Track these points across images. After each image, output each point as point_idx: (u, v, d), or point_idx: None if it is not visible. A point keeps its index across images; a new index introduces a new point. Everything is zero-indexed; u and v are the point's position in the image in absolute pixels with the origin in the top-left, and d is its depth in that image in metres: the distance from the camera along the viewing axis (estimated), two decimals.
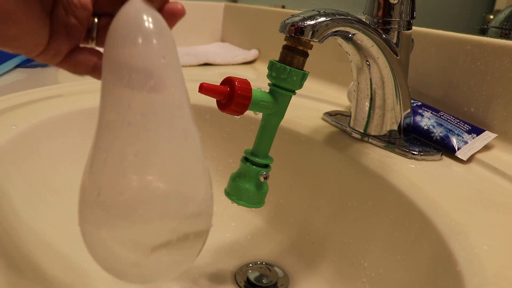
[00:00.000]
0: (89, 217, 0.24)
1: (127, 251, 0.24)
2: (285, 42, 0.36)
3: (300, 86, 0.36)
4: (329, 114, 0.53)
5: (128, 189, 0.23)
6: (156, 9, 0.25)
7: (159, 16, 0.24)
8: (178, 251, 0.25)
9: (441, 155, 0.43)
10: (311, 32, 0.35)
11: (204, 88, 0.32)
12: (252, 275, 0.44)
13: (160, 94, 0.24)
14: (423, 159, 0.43)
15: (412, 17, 0.43)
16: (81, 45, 0.27)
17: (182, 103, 0.25)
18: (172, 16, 0.26)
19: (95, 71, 0.27)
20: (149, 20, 0.24)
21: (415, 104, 0.49)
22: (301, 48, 0.35)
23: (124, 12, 0.24)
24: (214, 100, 0.35)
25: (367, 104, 0.45)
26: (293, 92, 0.36)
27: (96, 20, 0.27)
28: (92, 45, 0.28)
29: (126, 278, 0.26)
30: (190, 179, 0.25)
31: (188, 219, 0.25)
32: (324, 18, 0.36)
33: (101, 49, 0.27)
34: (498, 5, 0.57)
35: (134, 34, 0.23)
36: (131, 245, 0.24)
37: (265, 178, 0.37)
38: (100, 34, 0.27)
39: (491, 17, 0.57)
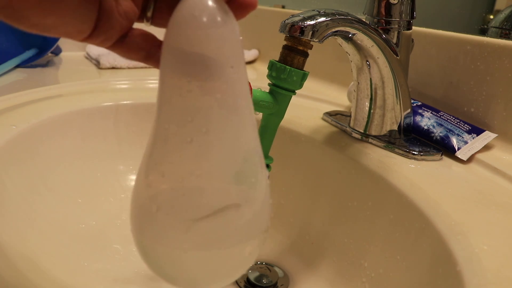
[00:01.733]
0: (147, 231, 0.23)
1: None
2: (285, 42, 0.36)
3: (300, 86, 0.36)
4: (329, 114, 0.53)
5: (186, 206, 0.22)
6: None
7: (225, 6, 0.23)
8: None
9: (441, 155, 0.43)
10: (311, 32, 0.35)
11: None
12: (252, 275, 0.44)
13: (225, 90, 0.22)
14: (423, 159, 0.43)
15: (412, 17, 0.43)
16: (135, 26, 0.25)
17: (248, 105, 0.23)
18: (242, 8, 0.24)
19: (149, 58, 0.25)
20: (221, 7, 0.22)
21: (415, 104, 0.49)
22: (301, 48, 0.36)
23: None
24: None
25: (367, 104, 0.45)
26: (293, 92, 0.36)
27: None
28: (147, 25, 0.25)
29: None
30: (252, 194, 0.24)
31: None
32: (324, 18, 0.36)
33: (156, 32, 0.25)
34: (498, 5, 0.57)
35: (207, 21, 0.21)
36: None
37: None
38: (157, 13, 0.25)
39: (491, 17, 0.57)
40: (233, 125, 0.23)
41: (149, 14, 0.25)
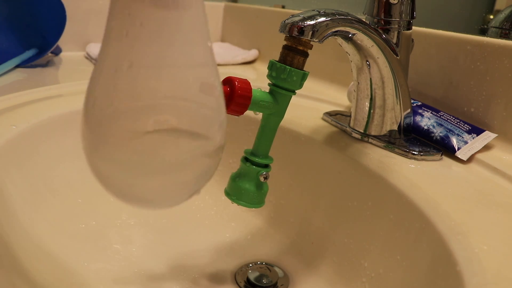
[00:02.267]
0: (87, 126, 0.24)
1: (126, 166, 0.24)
2: (285, 42, 0.36)
3: (300, 86, 0.36)
4: (329, 114, 0.53)
5: (117, 100, 0.23)
6: None
7: None
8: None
9: (441, 155, 0.43)
10: (311, 32, 0.35)
11: None
12: (252, 275, 0.44)
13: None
14: (423, 159, 0.43)
15: (412, 17, 0.43)
16: None
17: (197, 23, 0.23)
18: None
19: None
20: None
21: (415, 104, 0.49)
22: (301, 48, 0.36)
23: None
24: None
25: (367, 104, 0.45)
26: (293, 92, 0.36)
27: None
28: None
29: (132, 197, 0.26)
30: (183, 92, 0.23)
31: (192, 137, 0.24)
32: (324, 18, 0.36)
33: None
34: (498, 5, 0.57)
35: None
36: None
37: (265, 178, 0.37)
38: None
39: (491, 17, 0.57)
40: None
41: None
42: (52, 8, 0.67)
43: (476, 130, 0.45)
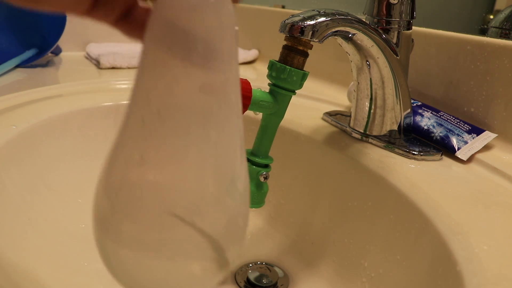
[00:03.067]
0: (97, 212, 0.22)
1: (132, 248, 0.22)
2: (285, 42, 0.36)
3: (300, 86, 0.36)
4: (329, 114, 0.53)
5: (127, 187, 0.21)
6: None
7: None
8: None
9: (441, 155, 0.43)
10: (311, 32, 0.35)
11: None
12: (252, 275, 0.44)
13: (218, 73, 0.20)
14: (423, 159, 0.43)
15: (412, 17, 0.43)
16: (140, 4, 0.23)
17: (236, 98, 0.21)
18: None
19: None
20: None
21: (415, 104, 0.49)
22: (301, 48, 0.36)
23: None
24: None
25: (367, 104, 0.45)
26: (293, 92, 0.36)
27: None
28: (149, 3, 0.23)
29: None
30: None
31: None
32: (324, 18, 0.36)
33: None
34: (498, 5, 0.57)
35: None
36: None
37: (265, 178, 0.37)
38: None
39: (491, 17, 0.57)
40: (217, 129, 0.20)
41: None
42: None
43: (476, 130, 0.45)
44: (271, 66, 0.36)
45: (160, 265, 0.21)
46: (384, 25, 0.43)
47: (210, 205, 0.21)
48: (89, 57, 0.78)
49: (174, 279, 0.22)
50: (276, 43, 0.41)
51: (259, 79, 0.72)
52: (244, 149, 0.22)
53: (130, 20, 0.22)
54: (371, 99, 0.45)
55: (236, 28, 0.21)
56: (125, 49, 0.81)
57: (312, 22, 0.35)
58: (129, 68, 0.73)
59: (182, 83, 0.19)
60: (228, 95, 0.21)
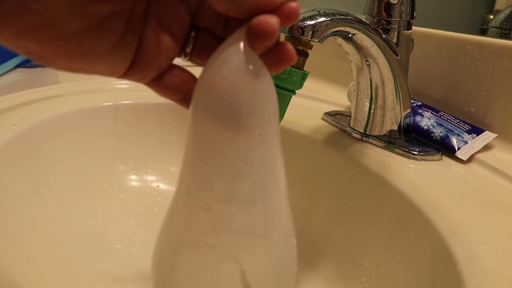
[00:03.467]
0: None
1: None
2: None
3: (300, 86, 0.36)
4: (329, 114, 0.53)
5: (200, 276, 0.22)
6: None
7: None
8: None
9: (441, 155, 0.43)
10: (311, 32, 0.35)
11: None
12: None
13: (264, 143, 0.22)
14: (423, 159, 0.43)
15: (412, 17, 0.43)
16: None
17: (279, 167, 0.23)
18: (279, 64, 0.22)
19: (185, 101, 0.24)
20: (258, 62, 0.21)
21: (415, 104, 0.49)
22: (301, 48, 0.35)
23: (233, 47, 0.21)
24: None
25: (367, 104, 0.45)
26: (293, 92, 0.36)
27: (193, 33, 0.23)
28: (184, 60, 0.24)
29: None
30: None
31: None
32: (324, 18, 0.36)
33: (193, 69, 0.24)
34: (498, 5, 0.57)
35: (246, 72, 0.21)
36: None
37: None
38: (196, 51, 0.24)
39: (491, 17, 0.57)
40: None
41: (188, 50, 0.23)
42: None
43: (476, 130, 0.45)
44: None
45: None
46: (384, 25, 0.43)
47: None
48: None
49: None
50: None
51: None
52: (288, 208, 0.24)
53: (163, 82, 0.23)
54: (371, 99, 0.45)
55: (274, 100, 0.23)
56: None
57: (312, 22, 0.35)
58: None
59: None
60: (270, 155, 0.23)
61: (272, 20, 0.20)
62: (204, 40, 0.23)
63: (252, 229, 0.22)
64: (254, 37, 0.20)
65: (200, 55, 0.24)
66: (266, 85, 0.22)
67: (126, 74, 0.22)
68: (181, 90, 0.23)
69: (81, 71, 0.21)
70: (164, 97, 0.24)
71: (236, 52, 0.21)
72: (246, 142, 0.21)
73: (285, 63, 0.22)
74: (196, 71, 0.24)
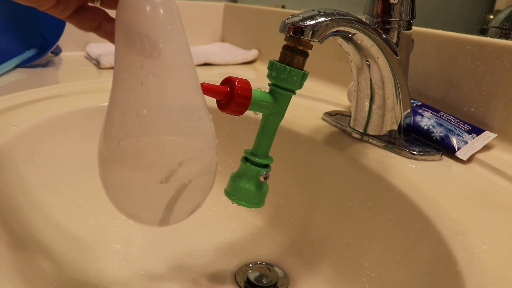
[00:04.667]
0: (111, 164, 0.28)
1: (140, 190, 0.29)
2: (285, 42, 0.36)
3: (300, 86, 0.36)
4: (329, 114, 0.53)
5: (143, 138, 0.27)
6: None
7: None
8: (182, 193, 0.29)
9: (441, 155, 0.43)
10: (311, 32, 0.35)
11: (204, 88, 0.32)
12: (252, 275, 0.44)
13: (167, 57, 0.27)
14: (423, 159, 0.43)
15: (412, 17, 0.43)
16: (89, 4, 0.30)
17: (187, 64, 0.28)
18: None
19: (99, 29, 0.30)
20: None
21: (415, 104, 0.49)
22: (301, 48, 0.35)
23: None
24: (214, 100, 0.35)
25: (367, 104, 0.45)
26: (293, 92, 0.36)
27: None
28: (97, 4, 0.30)
29: (141, 219, 0.30)
30: (195, 133, 0.29)
31: (189, 168, 0.29)
32: (324, 18, 0.36)
33: (106, 10, 0.31)
34: (498, 5, 0.57)
35: (144, 3, 0.27)
36: (143, 184, 0.28)
37: (265, 178, 0.37)
38: None
39: (491, 17, 0.57)
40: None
41: None
42: None
43: (476, 130, 0.45)
44: (271, 66, 0.36)
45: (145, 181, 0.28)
46: (384, 25, 0.43)
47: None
48: (89, 57, 0.78)
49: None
50: (276, 43, 0.41)
51: (259, 79, 0.72)
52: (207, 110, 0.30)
53: (81, 15, 0.30)
54: (371, 99, 0.45)
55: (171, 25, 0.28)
56: None
57: (312, 22, 0.35)
58: None
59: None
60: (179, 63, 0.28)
61: None
62: None
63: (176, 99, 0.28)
64: None
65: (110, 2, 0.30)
66: (174, 9, 0.28)
67: (55, 5, 0.28)
68: (95, 19, 0.30)
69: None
70: (83, 29, 0.30)
71: None
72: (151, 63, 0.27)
73: None
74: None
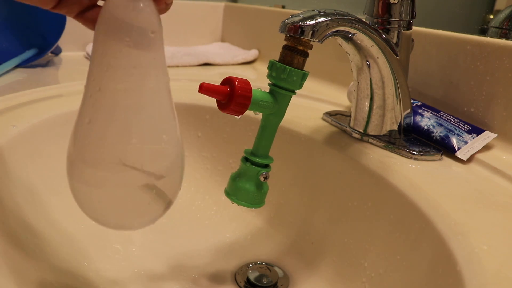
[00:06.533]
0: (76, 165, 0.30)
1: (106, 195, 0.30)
2: (285, 42, 0.36)
3: (300, 86, 0.36)
4: (329, 114, 0.53)
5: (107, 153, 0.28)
6: None
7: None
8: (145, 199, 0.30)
9: (441, 155, 0.43)
10: (311, 32, 0.35)
11: (204, 88, 0.32)
12: (252, 275, 0.44)
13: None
14: (423, 159, 0.43)
15: (412, 17, 0.43)
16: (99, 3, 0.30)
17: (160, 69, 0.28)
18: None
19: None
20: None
21: (415, 104, 0.49)
22: (301, 48, 0.35)
23: None
24: (214, 100, 0.35)
25: (367, 104, 0.45)
26: (293, 92, 0.36)
27: None
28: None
29: (109, 223, 0.31)
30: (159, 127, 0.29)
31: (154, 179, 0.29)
32: (324, 18, 0.36)
33: None
34: (498, 5, 0.57)
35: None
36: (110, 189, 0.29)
37: (265, 178, 0.37)
38: None
39: (491, 17, 0.57)
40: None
41: None
42: None
43: (476, 130, 0.45)
44: (271, 66, 0.36)
45: (111, 197, 0.29)
46: (384, 25, 0.43)
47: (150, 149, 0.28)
48: (89, 57, 0.78)
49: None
50: (276, 43, 0.41)
51: (259, 79, 0.72)
52: (174, 111, 0.29)
53: (85, 17, 0.30)
54: (371, 99, 0.45)
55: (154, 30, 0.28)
56: None
57: (312, 22, 0.35)
58: None
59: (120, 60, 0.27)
60: (156, 69, 0.28)
61: None
62: None
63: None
64: None
65: None
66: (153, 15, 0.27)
67: (56, 7, 0.28)
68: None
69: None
70: (88, 28, 0.30)
71: None
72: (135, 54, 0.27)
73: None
74: None
